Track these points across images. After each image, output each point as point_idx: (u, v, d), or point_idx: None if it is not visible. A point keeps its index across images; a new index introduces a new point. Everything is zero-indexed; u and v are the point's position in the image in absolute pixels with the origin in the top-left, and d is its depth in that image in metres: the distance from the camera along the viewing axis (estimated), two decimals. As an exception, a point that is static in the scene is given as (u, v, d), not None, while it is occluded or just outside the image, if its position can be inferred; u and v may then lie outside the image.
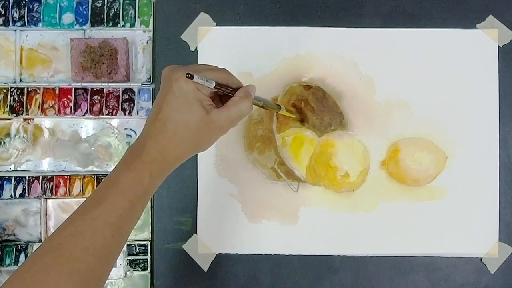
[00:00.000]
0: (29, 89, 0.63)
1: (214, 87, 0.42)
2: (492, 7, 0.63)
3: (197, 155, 0.62)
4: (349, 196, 0.62)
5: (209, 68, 0.44)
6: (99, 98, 0.64)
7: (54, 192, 0.63)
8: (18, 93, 0.63)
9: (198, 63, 0.63)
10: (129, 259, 0.62)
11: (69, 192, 0.63)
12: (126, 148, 0.61)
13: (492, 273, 0.62)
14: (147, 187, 0.41)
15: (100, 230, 0.39)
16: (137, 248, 0.62)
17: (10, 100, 0.63)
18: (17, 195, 0.63)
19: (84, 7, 0.64)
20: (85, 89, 0.64)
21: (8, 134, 0.63)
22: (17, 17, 0.64)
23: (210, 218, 0.62)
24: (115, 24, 0.64)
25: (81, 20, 0.64)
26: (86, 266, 0.38)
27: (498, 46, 0.63)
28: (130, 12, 0.64)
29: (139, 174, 0.40)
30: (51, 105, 0.64)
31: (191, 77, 0.40)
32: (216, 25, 0.63)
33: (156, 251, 0.62)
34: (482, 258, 0.62)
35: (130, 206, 0.40)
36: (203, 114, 0.41)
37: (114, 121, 0.64)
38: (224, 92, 0.44)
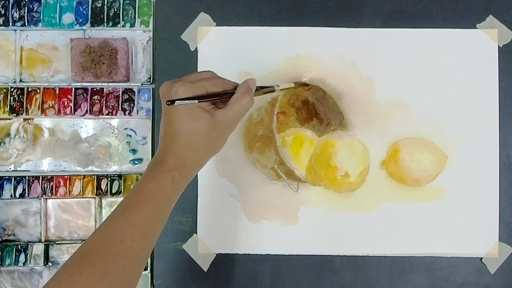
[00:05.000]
0: (29, 89, 0.63)
1: (199, 101, 0.44)
2: (492, 7, 0.63)
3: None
4: (349, 196, 0.62)
5: (204, 77, 0.46)
6: (99, 98, 0.64)
7: (54, 192, 0.63)
8: (18, 93, 0.63)
9: (198, 64, 0.62)
10: (129, 259, 0.62)
11: (69, 192, 0.63)
12: (126, 148, 0.63)
13: (492, 273, 0.62)
14: (170, 192, 0.43)
15: (128, 234, 0.41)
16: (137, 248, 0.62)
17: (10, 100, 0.63)
18: (17, 195, 0.63)
19: (84, 7, 0.64)
20: (85, 89, 0.64)
21: (8, 134, 0.63)
22: (17, 17, 0.64)
23: (210, 218, 0.62)
24: (115, 24, 0.64)
25: (81, 20, 0.64)
26: (118, 268, 0.40)
27: (498, 46, 0.63)
28: (130, 12, 0.64)
29: (161, 182, 0.43)
30: (51, 105, 0.64)
31: (172, 103, 0.42)
32: (216, 25, 0.63)
33: (156, 251, 0.62)
34: (482, 258, 0.62)
35: (155, 211, 0.43)
36: (209, 118, 0.44)
37: (114, 121, 0.64)
38: (218, 100, 0.46)
